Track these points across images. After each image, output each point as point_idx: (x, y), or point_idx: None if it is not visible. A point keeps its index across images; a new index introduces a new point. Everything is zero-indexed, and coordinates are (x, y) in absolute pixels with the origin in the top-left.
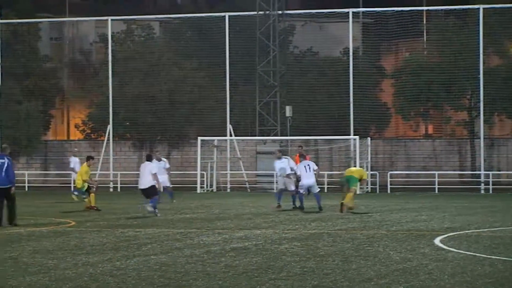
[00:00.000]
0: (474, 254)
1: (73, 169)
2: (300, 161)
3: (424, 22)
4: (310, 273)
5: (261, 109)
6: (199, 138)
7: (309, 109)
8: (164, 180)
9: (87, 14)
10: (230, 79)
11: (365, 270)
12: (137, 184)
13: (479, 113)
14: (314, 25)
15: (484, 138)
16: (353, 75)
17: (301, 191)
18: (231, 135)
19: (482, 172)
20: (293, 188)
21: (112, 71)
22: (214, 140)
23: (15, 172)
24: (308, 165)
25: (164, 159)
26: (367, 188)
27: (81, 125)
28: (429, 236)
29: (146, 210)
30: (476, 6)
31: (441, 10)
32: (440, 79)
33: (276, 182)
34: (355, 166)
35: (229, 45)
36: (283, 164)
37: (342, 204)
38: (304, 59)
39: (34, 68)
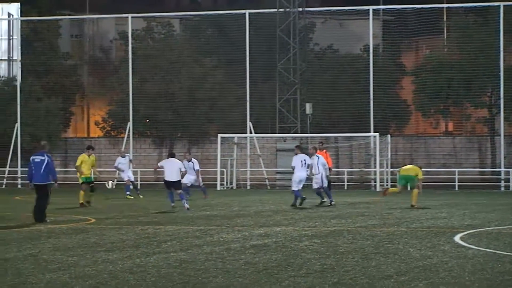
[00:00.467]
0: (494, 251)
1: (117, 168)
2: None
3: (445, 19)
4: (330, 270)
5: (281, 106)
6: (219, 135)
7: (329, 106)
8: (190, 180)
9: (107, 11)
10: (250, 77)
11: (385, 267)
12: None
13: (500, 110)
14: (335, 22)
15: (504, 135)
16: (373, 72)
17: (294, 187)
18: (251, 132)
19: (503, 169)
20: (315, 185)
21: (132, 69)
22: (234, 137)
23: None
24: (305, 159)
25: (194, 160)
26: (387, 185)
27: (101, 123)
28: (449, 233)
29: (185, 207)
30: (496, 3)
31: (462, 7)
32: (460, 76)
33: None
34: (408, 166)
35: (249, 43)
36: (309, 161)
37: (412, 205)
38: (324, 56)
39: (54, 65)
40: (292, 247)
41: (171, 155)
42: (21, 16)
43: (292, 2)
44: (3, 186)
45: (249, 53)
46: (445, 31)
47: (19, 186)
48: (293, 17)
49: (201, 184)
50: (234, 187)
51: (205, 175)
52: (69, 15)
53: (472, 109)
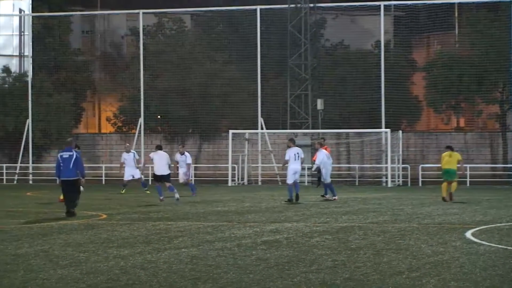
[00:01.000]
0: (506, 247)
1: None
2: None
3: (456, 15)
4: (341, 266)
5: (293, 102)
6: (231, 131)
7: (340, 102)
8: (181, 176)
9: (118, 7)
10: (261, 72)
11: (397, 263)
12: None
13: (511, 106)
14: (346, 18)
15: None
16: (384, 68)
17: (289, 180)
18: (262, 128)
19: None
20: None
21: (143, 65)
22: (245, 133)
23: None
24: (298, 153)
25: (187, 154)
26: (398, 181)
27: (112, 118)
28: (461, 229)
29: (176, 197)
30: None
31: (473, 3)
32: (472, 72)
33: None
34: (446, 157)
35: (261, 38)
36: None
37: (450, 194)
38: (335, 52)
39: (65, 61)
40: (303, 243)
41: (159, 147)
42: (32, 12)
43: None
44: (15, 182)
45: (260, 49)
46: (456, 26)
47: (30, 182)
48: (304, 13)
49: (191, 179)
50: (246, 183)
51: (216, 171)
52: (80, 11)
53: (484, 105)
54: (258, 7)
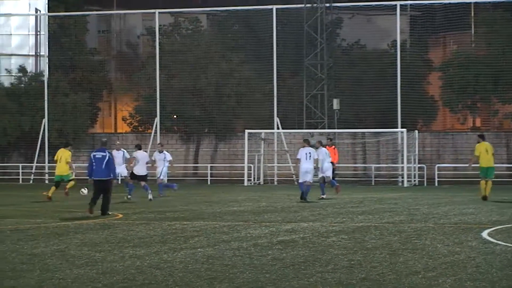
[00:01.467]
0: None
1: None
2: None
3: (472, 14)
4: (357, 266)
5: (309, 102)
6: (246, 131)
7: (356, 102)
8: (160, 171)
9: (134, 7)
10: (277, 72)
11: (413, 263)
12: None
13: None
14: (362, 18)
15: None
16: (400, 67)
17: (300, 178)
18: (278, 128)
19: None
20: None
21: (159, 64)
22: (261, 133)
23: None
24: (310, 152)
25: (166, 152)
26: (414, 181)
27: (128, 118)
28: (477, 229)
29: (149, 198)
30: None
31: (489, 2)
32: (488, 71)
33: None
34: (483, 152)
35: (277, 38)
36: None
37: (485, 196)
38: (351, 52)
39: (81, 61)
40: (320, 242)
41: (138, 147)
42: (48, 11)
43: None
44: (31, 182)
45: (276, 48)
46: (472, 26)
47: (46, 181)
48: (321, 13)
49: (165, 178)
50: (261, 183)
51: (232, 170)
52: (97, 10)
53: (500, 105)
54: (274, 7)
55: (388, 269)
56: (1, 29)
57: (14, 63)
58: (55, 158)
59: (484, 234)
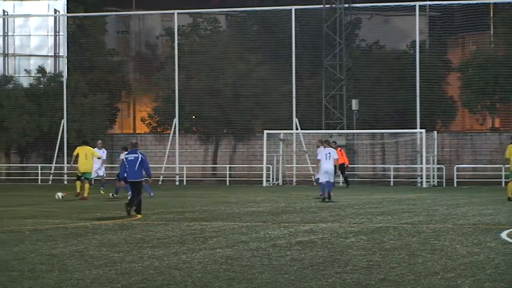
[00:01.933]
0: None
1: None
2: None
3: (491, 15)
4: (376, 267)
5: (327, 102)
6: (265, 131)
7: (375, 102)
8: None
9: (153, 7)
10: (296, 73)
11: (431, 264)
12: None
13: None
14: (381, 18)
15: None
16: (419, 68)
17: (321, 178)
18: (297, 129)
19: None
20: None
21: (178, 65)
22: (280, 133)
23: None
24: (329, 153)
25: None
26: (433, 181)
27: (147, 119)
28: (496, 230)
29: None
30: None
31: (508, 3)
32: (507, 72)
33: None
34: None
35: (295, 39)
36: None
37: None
38: (370, 53)
39: (100, 62)
40: (338, 243)
41: (125, 149)
42: (67, 12)
43: None
44: (50, 182)
45: (295, 49)
46: (491, 27)
47: (65, 182)
48: (339, 13)
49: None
50: (280, 184)
51: (251, 171)
52: (115, 11)
53: None
54: (293, 8)
55: (407, 270)
56: (20, 30)
57: (33, 63)
58: (74, 153)
59: (503, 235)
